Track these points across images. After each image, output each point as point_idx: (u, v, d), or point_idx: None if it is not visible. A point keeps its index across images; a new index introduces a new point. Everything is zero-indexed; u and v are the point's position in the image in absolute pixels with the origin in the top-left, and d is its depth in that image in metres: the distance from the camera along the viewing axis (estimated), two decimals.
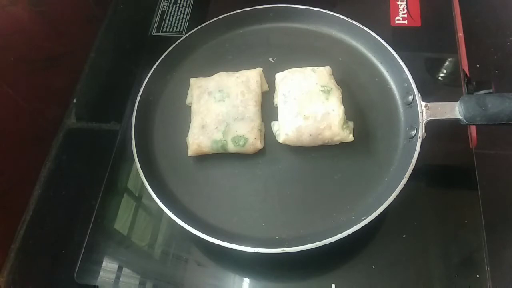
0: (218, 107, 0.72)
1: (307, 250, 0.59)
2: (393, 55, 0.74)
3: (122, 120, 0.84)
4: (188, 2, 0.99)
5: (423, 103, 0.67)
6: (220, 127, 0.70)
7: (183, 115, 0.76)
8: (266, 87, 0.77)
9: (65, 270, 0.71)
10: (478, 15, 0.99)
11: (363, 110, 0.74)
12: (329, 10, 0.81)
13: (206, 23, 0.84)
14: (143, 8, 1.01)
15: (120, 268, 0.69)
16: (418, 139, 0.64)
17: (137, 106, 0.75)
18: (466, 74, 0.82)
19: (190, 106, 0.75)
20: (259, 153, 0.71)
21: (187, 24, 0.95)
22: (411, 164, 0.63)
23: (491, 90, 0.76)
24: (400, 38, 0.86)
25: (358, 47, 0.81)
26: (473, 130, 0.76)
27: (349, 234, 0.59)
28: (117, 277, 0.69)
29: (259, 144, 0.70)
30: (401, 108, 0.73)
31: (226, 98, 0.73)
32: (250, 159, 0.71)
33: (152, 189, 0.66)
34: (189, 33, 0.83)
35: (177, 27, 0.95)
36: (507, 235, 0.74)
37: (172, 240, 0.71)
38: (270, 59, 0.81)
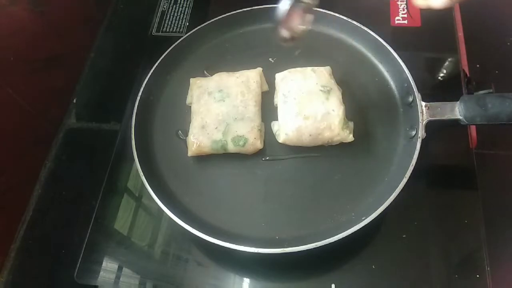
0: (218, 107, 0.72)
1: (307, 250, 0.59)
2: (393, 55, 0.74)
3: (122, 120, 0.84)
4: (188, 2, 0.99)
5: (423, 103, 0.67)
6: (220, 127, 0.70)
7: (183, 115, 0.76)
8: (266, 87, 0.77)
9: (65, 270, 0.71)
10: (478, 15, 0.99)
11: (363, 110, 0.74)
12: (329, 10, 0.81)
13: (206, 23, 0.84)
14: (143, 8, 1.01)
15: (120, 268, 0.69)
16: (418, 139, 0.64)
17: (137, 106, 0.75)
18: (466, 74, 0.82)
19: (190, 106, 0.75)
20: (259, 153, 0.71)
21: (187, 24, 0.95)
22: (411, 164, 0.63)
23: (491, 90, 0.76)
24: (400, 38, 0.85)
25: (358, 47, 0.81)
26: (473, 130, 0.76)
27: (349, 234, 0.59)
28: (117, 277, 0.68)
29: (259, 144, 0.70)
30: (401, 108, 0.73)
31: (226, 98, 0.73)
32: (250, 159, 0.71)
33: (152, 189, 0.66)
34: (189, 33, 0.83)
35: (177, 27, 0.95)
36: (507, 235, 0.74)
37: (172, 240, 0.71)
38: (270, 59, 0.81)
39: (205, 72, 0.80)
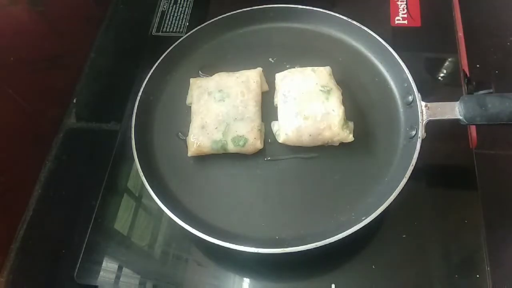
0: (218, 107, 0.72)
1: (307, 250, 0.59)
2: (393, 55, 0.74)
3: (122, 120, 0.84)
4: (188, 2, 0.99)
5: (423, 103, 0.67)
6: (220, 127, 0.70)
7: (183, 115, 0.76)
8: (266, 87, 0.77)
9: (65, 270, 0.71)
10: (478, 15, 0.99)
11: (363, 110, 0.74)
12: (329, 10, 0.81)
13: (206, 23, 0.84)
14: (143, 8, 1.01)
15: (120, 268, 0.69)
16: (418, 139, 0.64)
17: (137, 106, 0.75)
18: (466, 74, 0.82)
19: (190, 106, 0.75)
20: (259, 153, 0.71)
21: (187, 24, 0.95)
22: (411, 164, 0.63)
23: (491, 90, 0.76)
24: (400, 38, 0.85)
25: (358, 47, 0.81)
26: (473, 130, 0.76)
27: (349, 234, 0.59)
28: (117, 277, 0.69)
29: (259, 144, 0.70)
30: (401, 108, 0.73)
31: (226, 98, 0.73)
32: (250, 159, 0.71)
33: (152, 189, 0.66)
34: (189, 33, 0.83)
35: (177, 27, 0.95)
36: (507, 235, 0.74)
37: (172, 240, 0.71)
38: (270, 59, 0.81)
39: (200, 72, 0.81)
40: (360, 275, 0.65)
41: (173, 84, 0.81)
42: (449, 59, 0.83)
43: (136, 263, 0.70)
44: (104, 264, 0.70)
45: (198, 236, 0.61)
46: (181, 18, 0.97)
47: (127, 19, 1.04)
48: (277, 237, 0.64)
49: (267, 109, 0.75)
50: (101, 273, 0.69)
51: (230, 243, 0.60)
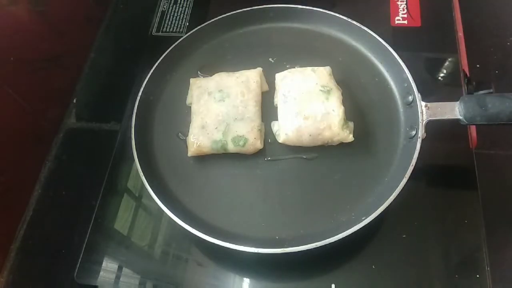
0: (218, 107, 0.72)
1: (307, 250, 0.59)
2: (393, 55, 0.74)
3: (122, 120, 0.84)
4: (188, 2, 0.99)
5: (423, 103, 0.67)
6: (220, 127, 0.70)
7: (183, 115, 0.76)
8: (266, 87, 0.77)
9: (65, 270, 0.71)
10: (478, 15, 0.99)
11: (363, 110, 0.74)
12: (329, 10, 0.81)
13: (206, 23, 0.84)
14: (143, 8, 1.01)
15: (120, 268, 0.69)
16: (418, 139, 0.64)
17: (137, 106, 0.75)
18: (466, 74, 0.82)
19: (190, 106, 0.75)
20: (259, 153, 0.71)
21: (187, 24, 0.95)
22: (411, 164, 0.63)
23: (491, 90, 0.76)
24: (400, 38, 0.85)
25: (358, 47, 0.81)
26: (473, 130, 0.76)
27: (349, 234, 0.59)
28: (117, 277, 0.68)
29: (259, 144, 0.70)
30: (401, 108, 0.73)
31: (226, 98, 0.73)
32: (250, 159, 0.71)
33: (152, 189, 0.66)
34: (189, 33, 0.83)
35: (177, 27, 0.95)
36: (507, 235, 0.74)
37: (172, 240, 0.71)
38: (270, 59, 0.81)
39: (199, 72, 0.81)
40: (360, 275, 0.65)
41: (173, 84, 0.81)
42: (449, 59, 0.83)
43: (136, 263, 0.70)
44: (104, 264, 0.70)
45: (198, 236, 0.61)
46: (181, 18, 0.97)
47: (127, 19, 1.04)
48: (277, 237, 0.64)
49: (267, 109, 0.75)
50: (101, 273, 0.69)
51: (230, 243, 0.60)
